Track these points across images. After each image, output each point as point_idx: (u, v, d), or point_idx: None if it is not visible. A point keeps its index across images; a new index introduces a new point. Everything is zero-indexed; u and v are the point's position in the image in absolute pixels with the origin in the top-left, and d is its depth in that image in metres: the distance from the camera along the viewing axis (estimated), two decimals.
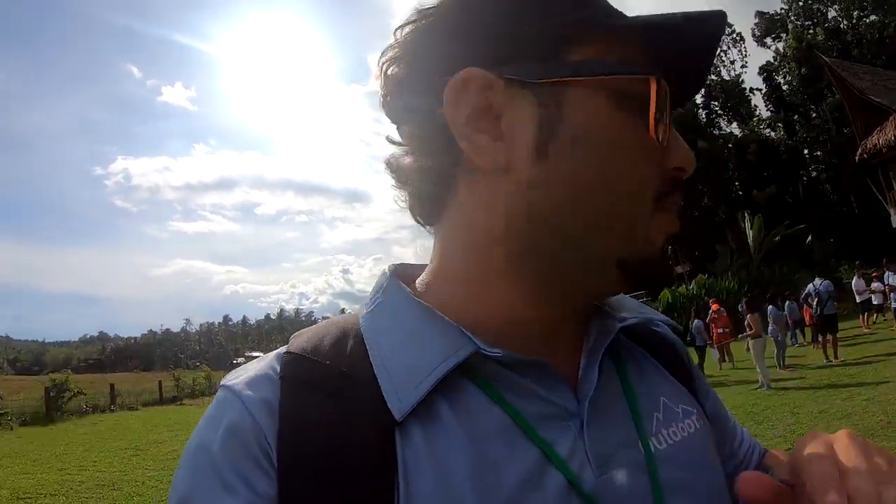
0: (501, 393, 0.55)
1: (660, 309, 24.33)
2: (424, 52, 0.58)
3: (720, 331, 15.45)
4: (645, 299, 30.30)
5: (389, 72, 0.61)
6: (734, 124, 46.16)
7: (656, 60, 0.57)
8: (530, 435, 0.53)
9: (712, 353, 15.52)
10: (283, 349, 0.59)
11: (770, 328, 13.72)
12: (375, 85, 0.64)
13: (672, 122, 0.59)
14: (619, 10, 0.57)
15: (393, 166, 0.65)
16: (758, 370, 11.25)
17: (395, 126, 0.65)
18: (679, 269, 34.66)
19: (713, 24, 0.56)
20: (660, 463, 0.58)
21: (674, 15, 0.54)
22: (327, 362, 0.55)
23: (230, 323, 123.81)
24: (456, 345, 0.54)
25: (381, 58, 0.62)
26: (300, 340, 0.59)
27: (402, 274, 0.66)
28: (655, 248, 0.59)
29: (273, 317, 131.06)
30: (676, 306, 23.71)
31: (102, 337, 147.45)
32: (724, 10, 0.56)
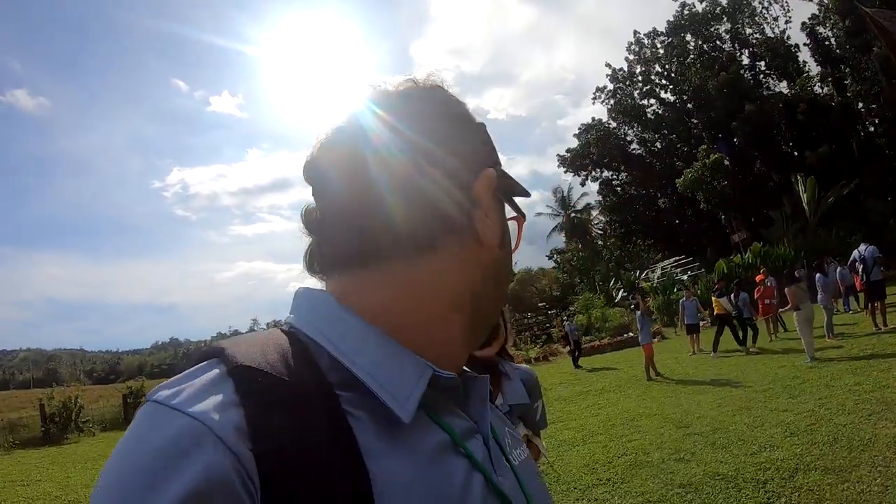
0: (437, 413, 0.67)
1: (715, 279, 24.03)
2: (451, 140, 0.72)
3: (767, 302, 15.20)
4: (699, 271, 29.81)
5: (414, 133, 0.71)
6: (783, 83, 44.29)
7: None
8: (461, 447, 0.66)
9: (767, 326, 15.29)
10: (210, 362, 0.58)
11: (819, 297, 13.45)
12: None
13: None
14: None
15: (311, 215, 0.76)
16: (804, 343, 11.07)
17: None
18: (735, 238, 33.87)
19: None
20: (518, 473, 0.76)
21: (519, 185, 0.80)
22: (292, 375, 0.57)
23: None
24: (420, 367, 0.64)
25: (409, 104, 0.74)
26: (241, 353, 0.59)
27: (340, 297, 0.70)
28: None
29: None
30: (732, 276, 23.13)
31: (174, 343, 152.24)
32: None
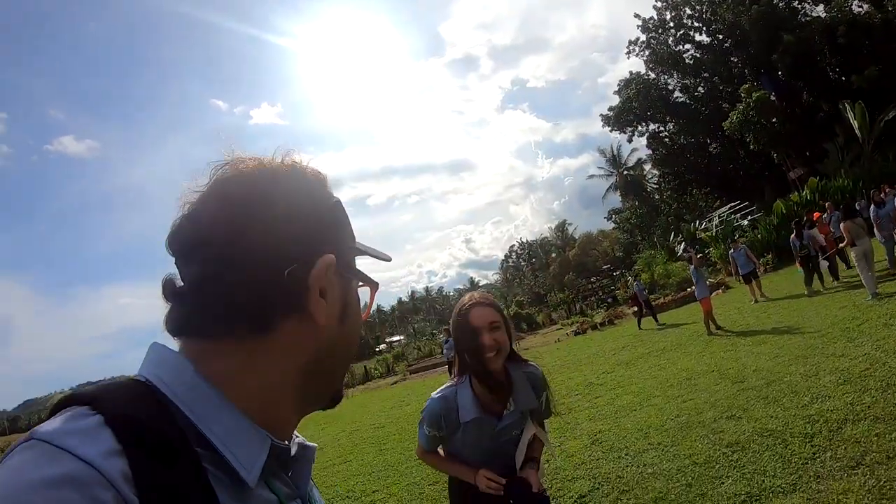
0: (269, 476, 0.74)
1: (775, 221, 23.31)
2: (284, 221, 0.76)
3: (825, 240, 14.68)
4: (758, 214, 28.80)
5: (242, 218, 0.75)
6: (819, 7, 41.46)
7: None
8: None
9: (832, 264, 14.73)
10: (81, 409, 0.62)
11: (875, 231, 12.94)
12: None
13: None
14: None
15: (170, 286, 0.77)
16: (862, 280, 10.73)
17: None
18: (791, 175, 32.70)
19: (385, 259, 0.94)
20: None
21: (376, 251, 0.91)
22: (163, 430, 0.63)
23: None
24: (262, 437, 0.72)
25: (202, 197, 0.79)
26: (116, 403, 0.63)
27: (195, 361, 0.73)
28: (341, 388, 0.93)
29: (405, 299, 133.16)
30: (791, 215, 22.34)
31: None
32: None
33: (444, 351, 19.89)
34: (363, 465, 9.34)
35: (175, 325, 0.75)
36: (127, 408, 0.62)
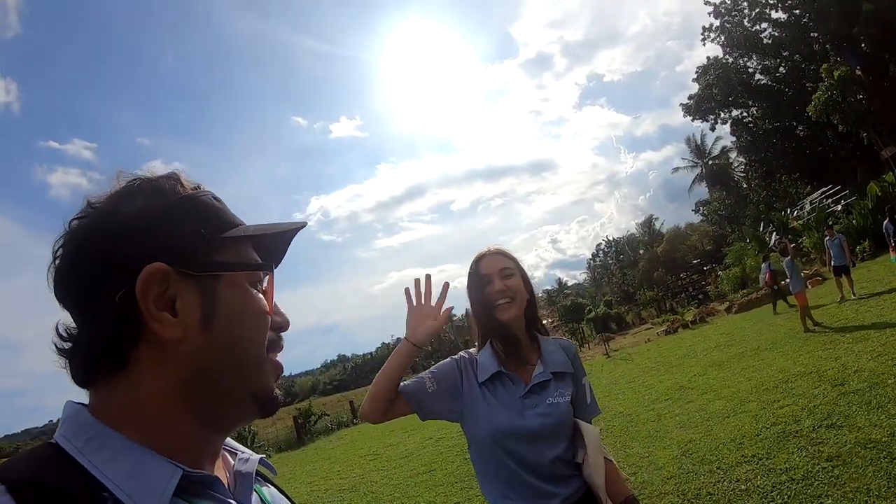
0: (198, 499, 0.73)
1: (870, 205, 21.85)
2: (103, 247, 0.74)
3: None
4: (851, 199, 27.05)
5: (60, 262, 0.76)
6: None
7: (267, 255, 0.90)
8: None
9: None
10: None
11: None
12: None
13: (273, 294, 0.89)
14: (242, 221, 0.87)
15: (61, 335, 0.78)
16: None
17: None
18: (884, 154, 30.61)
19: (291, 232, 0.92)
20: None
21: (272, 226, 0.88)
22: (59, 489, 0.63)
23: (454, 319, 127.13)
24: (169, 472, 0.70)
25: (55, 246, 0.77)
26: (16, 470, 0.64)
27: (93, 411, 0.74)
28: (272, 384, 0.85)
29: None
30: (887, 198, 20.92)
31: (342, 359, 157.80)
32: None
33: None
34: (447, 475, 9.19)
35: (73, 374, 0.76)
36: (31, 472, 0.64)
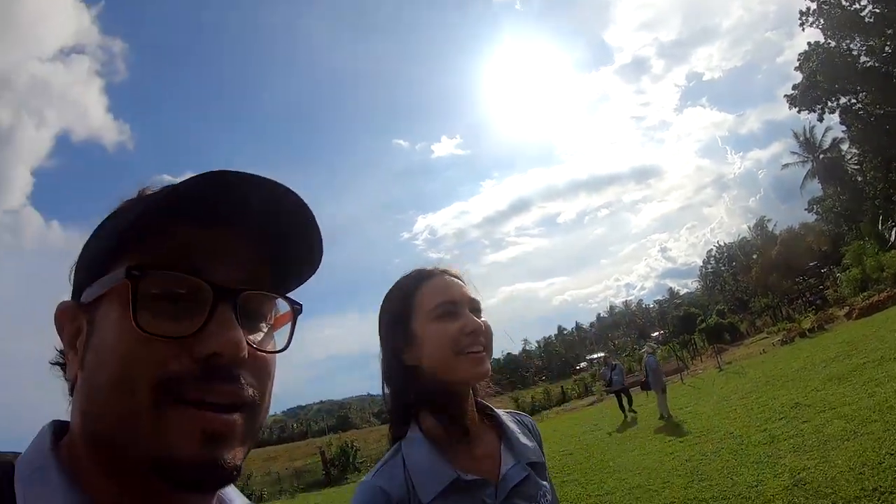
0: None
1: None
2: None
3: None
4: None
5: None
6: None
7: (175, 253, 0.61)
8: None
9: None
10: None
11: None
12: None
13: (217, 305, 0.60)
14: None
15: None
16: None
17: None
18: None
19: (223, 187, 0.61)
20: None
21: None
22: None
23: (565, 332, 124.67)
24: None
25: None
26: None
27: (60, 434, 0.65)
28: (180, 445, 0.56)
29: (604, 314, 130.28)
30: None
31: None
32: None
33: (611, 377, 18.51)
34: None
35: None
36: None
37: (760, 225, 76.22)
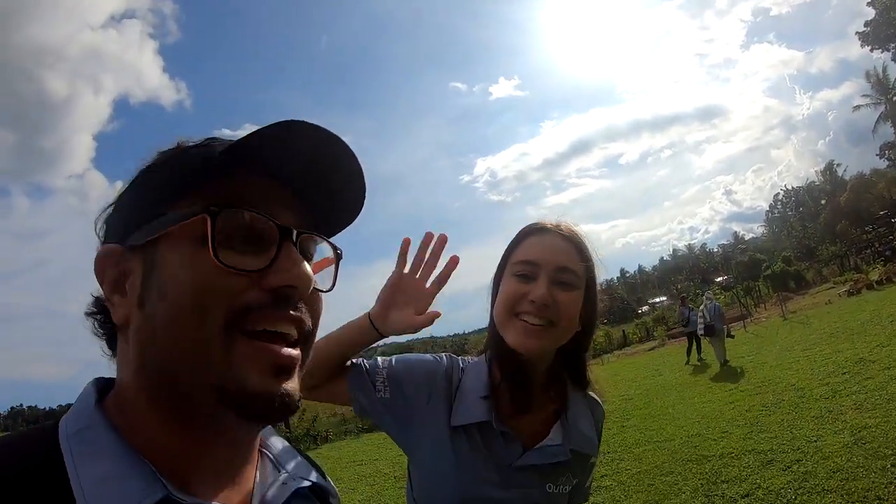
0: None
1: None
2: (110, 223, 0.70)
3: None
4: None
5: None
6: None
7: (240, 192, 0.65)
8: None
9: None
10: None
11: None
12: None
13: (283, 243, 0.65)
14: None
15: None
16: None
17: None
18: None
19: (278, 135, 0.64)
20: None
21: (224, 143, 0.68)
22: (12, 487, 0.54)
23: (627, 275, 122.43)
24: (149, 489, 0.56)
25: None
26: None
27: (104, 391, 0.67)
28: (248, 374, 0.61)
29: (667, 258, 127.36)
30: None
31: None
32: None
33: (689, 317, 17.13)
34: (601, 444, 8.69)
35: None
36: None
37: (829, 169, 72.79)
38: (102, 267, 0.65)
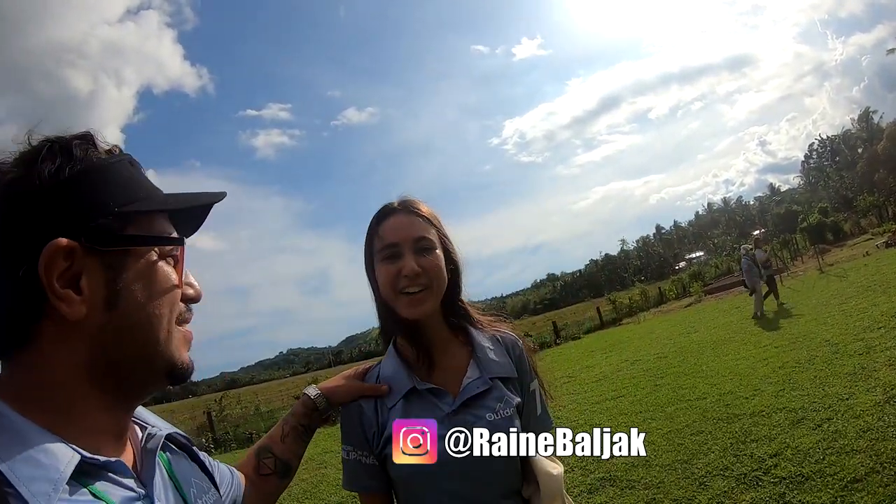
0: (101, 488, 0.67)
1: None
2: (5, 220, 0.70)
3: None
4: None
5: None
6: None
7: (182, 224, 0.87)
8: None
9: None
10: None
11: None
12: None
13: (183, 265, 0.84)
14: (158, 189, 0.85)
15: None
16: None
17: None
18: None
19: (206, 206, 0.89)
20: None
21: (187, 198, 0.86)
22: None
23: (663, 231, 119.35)
24: (67, 456, 0.64)
25: None
26: None
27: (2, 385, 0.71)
28: (181, 355, 0.82)
29: (702, 212, 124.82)
30: None
31: (551, 278, 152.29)
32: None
33: (743, 269, 15.78)
34: (633, 403, 8.72)
35: None
36: None
37: (865, 117, 69.95)
38: (52, 259, 0.67)
